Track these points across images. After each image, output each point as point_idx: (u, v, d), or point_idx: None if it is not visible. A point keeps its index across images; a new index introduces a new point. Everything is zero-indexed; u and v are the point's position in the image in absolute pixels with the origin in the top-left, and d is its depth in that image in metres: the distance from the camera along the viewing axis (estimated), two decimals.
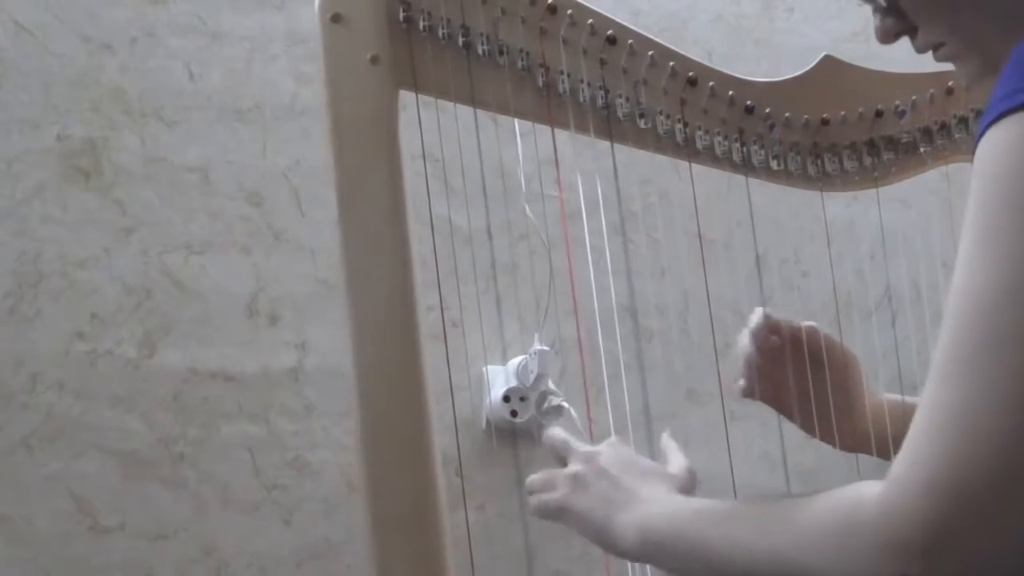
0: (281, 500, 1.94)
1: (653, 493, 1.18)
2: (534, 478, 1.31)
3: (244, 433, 1.93)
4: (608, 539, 1.18)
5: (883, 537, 0.85)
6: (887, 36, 1.10)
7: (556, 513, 1.26)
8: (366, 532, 1.43)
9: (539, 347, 1.99)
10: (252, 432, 1.93)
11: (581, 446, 1.29)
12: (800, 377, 1.45)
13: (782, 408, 1.50)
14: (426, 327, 1.45)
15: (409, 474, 1.42)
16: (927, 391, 0.88)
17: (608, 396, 1.65)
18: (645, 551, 1.14)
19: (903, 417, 1.42)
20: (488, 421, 2.01)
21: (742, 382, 1.47)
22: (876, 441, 1.45)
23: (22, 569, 1.81)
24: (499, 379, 2.00)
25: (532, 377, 2.00)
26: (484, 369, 2.01)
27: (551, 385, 2.02)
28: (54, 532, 1.83)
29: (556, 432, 1.33)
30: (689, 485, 1.23)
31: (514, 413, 1.99)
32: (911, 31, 1.09)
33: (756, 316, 1.47)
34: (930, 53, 1.11)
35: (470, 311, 1.81)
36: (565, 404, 2.02)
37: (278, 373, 1.96)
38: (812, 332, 1.45)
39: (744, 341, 1.47)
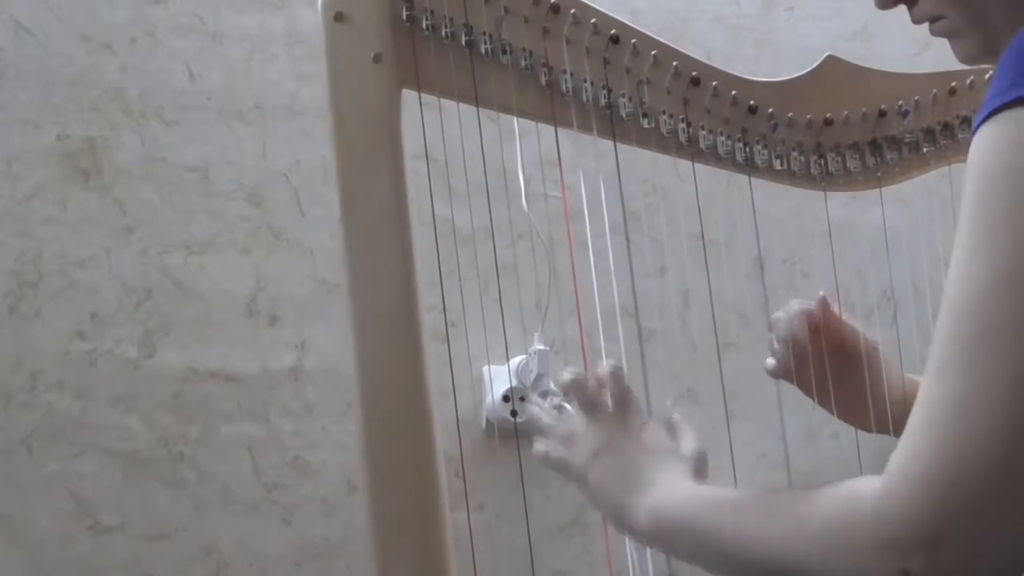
0: (281, 500, 1.94)
1: (668, 477, 1.18)
2: (552, 424, 1.31)
3: (244, 433, 1.93)
4: (620, 517, 1.19)
5: (882, 533, 0.86)
6: (886, 2, 1.09)
7: (569, 475, 1.27)
8: (368, 531, 1.43)
9: (539, 347, 1.99)
10: (252, 432, 1.93)
11: (605, 414, 1.29)
12: (826, 362, 1.45)
13: (808, 390, 1.50)
14: (426, 327, 1.45)
15: (411, 473, 1.42)
16: (924, 386, 0.88)
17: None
18: (655, 535, 1.15)
19: None
20: (488, 421, 2.01)
21: (771, 361, 1.47)
22: (904, 424, 1.45)
23: (22, 569, 1.81)
24: (499, 379, 2.00)
25: (532, 377, 2.00)
26: (484, 369, 2.01)
27: (551, 385, 2.01)
28: (54, 532, 1.83)
29: (583, 378, 1.32)
30: (701, 467, 1.24)
31: (514, 413, 1.99)
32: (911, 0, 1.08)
33: (795, 310, 1.47)
34: (928, 28, 1.10)
35: (470, 311, 1.81)
36: (565, 404, 2.01)
37: (278, 373, 1.95)
38: (824, 304, 1.46)
39: (782, 324, 1.46)
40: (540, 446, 1.31)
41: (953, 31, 1.07)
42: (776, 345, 1.48)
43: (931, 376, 0.88)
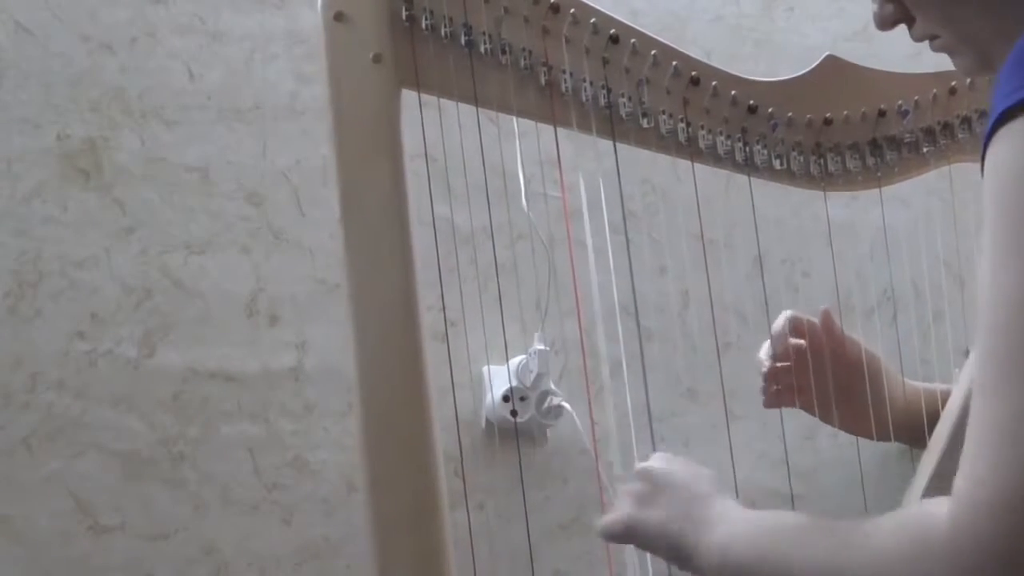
0: (281, 500, 1.94)
1: (725, 509, 1.17)
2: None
3: (244, 433, 1.93)
4: (685, 555, 1.18)
5: (958, 563, 0.84)
6: (885, 23, 1.11)
7: (623, 532, 1.26)
8: (368, 531, 1.43)
9: (539, 347, 1.99)
10: (252, 432, 1.93)
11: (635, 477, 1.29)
12: (823, 376, 1.46)
13: (810, 409, 1.51)
14: (426, 326, 1.45)
15: (411, 473, 1.42)
16: (973, 405, 0.87)
17: (608, 396, 1.65)
18: (724, 570, 1.13)
19: (930, 404, 1.44)
20: (488, 421, 2.01)
21: (763, 396, 1.49)
22: (905, 429, 1.46)
23: (22, 569, 1.81)
24: (499, 379, 1.99)
25: (532, 377, 1.99)
26: (484, 369, 2.00)
27: (551, 385, 2.02)
28: (54, 532, 1.83)
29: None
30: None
31: (514, 413, 1.99)
32: (909, 20, 1.10)
33: (781, 320, 1.48)
34: (929, 45, 1.12)
35: (470, 310, 1.81)
36: (565, 404, 2.01)
37: (278, 373, 1.95)
38: (827, 317, 1.47)
39: (762, 353, 1.48)
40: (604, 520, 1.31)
41: (949, 48, 1.10)
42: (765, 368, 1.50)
43: (978, 395, 0.87)
